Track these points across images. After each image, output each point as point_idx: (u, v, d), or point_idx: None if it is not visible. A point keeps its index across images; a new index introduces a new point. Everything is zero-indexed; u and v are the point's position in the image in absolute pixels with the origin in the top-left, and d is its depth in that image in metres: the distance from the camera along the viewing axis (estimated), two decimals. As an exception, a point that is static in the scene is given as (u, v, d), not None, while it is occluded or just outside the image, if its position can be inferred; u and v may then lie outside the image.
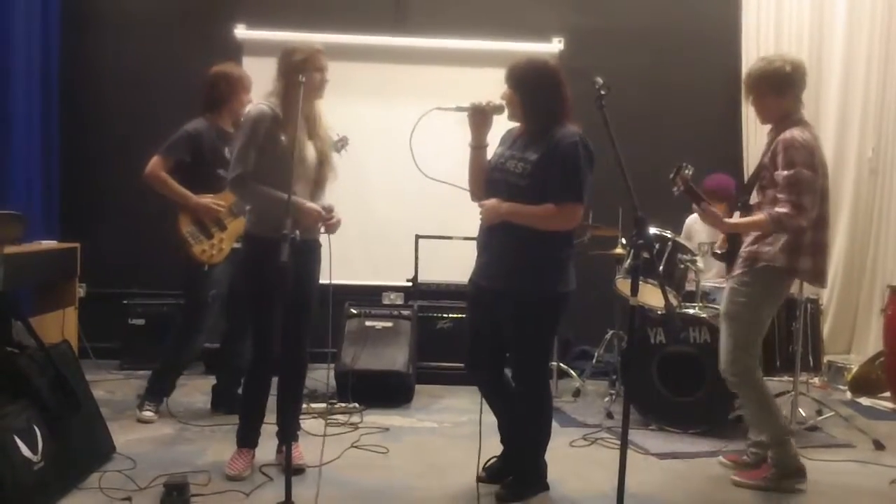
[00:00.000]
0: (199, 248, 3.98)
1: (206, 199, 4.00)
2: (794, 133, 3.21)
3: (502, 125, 3.18)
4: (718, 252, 3.62)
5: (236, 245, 4.02)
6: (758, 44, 5.57)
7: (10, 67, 4.77)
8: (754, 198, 3.39)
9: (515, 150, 3.04)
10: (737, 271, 3.33)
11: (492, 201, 3.00)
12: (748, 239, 3.32)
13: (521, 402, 3.12)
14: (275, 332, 3.21)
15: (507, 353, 3.16)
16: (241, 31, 5.35)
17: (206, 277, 4.00)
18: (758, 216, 3.23)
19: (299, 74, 3.11)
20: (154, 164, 4.00)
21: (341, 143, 3.68)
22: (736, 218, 3.40)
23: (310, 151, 3.23)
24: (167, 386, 4.12)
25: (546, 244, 2.97)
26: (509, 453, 3.24)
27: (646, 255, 2.81)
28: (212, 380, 4.31)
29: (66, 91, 5.33)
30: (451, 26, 5.46)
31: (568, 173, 2.92)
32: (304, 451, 3.40)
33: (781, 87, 3.29)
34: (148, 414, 4.01)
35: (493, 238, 3.03)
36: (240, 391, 4.14)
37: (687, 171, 3.16)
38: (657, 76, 5.59)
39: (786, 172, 3.16)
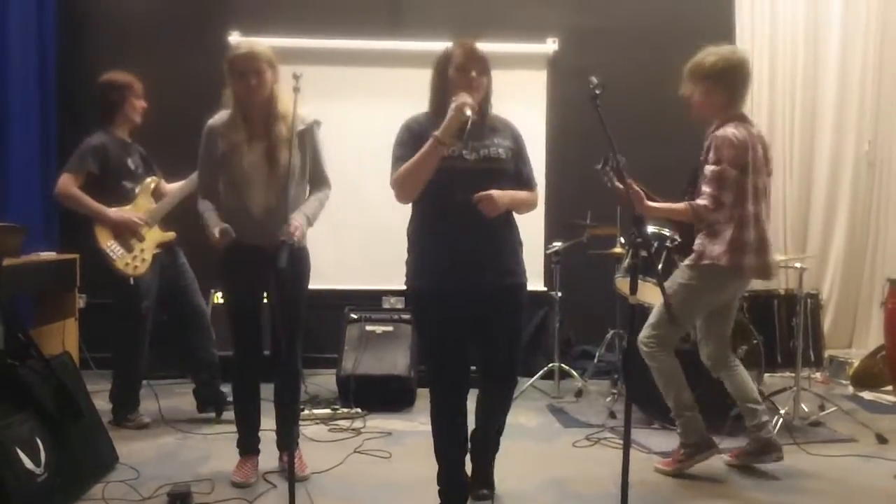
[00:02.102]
0: (123, 262, 3.89)
1: (125, 212, 3.92)
2: (728, 131, 3.29)
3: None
4: (670, 245, 3.69)
5: (157, 251, 4.01)
6: (752, 41, 5.57)
7: (6, 77, 4.77)
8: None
9: (477, 138, 2.77)
10: (686, 261, 3.42)
11: (494, 192, 2.71)
12: (699, 235, 3.38)
13: (506, 394, 3.03)
14: (248, 336, 3.25)
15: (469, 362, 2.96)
16: (235, 38, 5.34)
17: (135, 291, 3.92)
18: (680, 204, 3.34)
19: (232, 80, 3.13)
20: (65, 181, 3.86)
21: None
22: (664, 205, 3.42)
23: (251, 155, 3.15)
24: (135, 397, 4.08)
25: (517, 232, 2.93)
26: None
27: (644, 253, 2.81)
28: None
29: (63, 101, 5.32)
30: (445, 29, 5.42)
31: (528, 158, 2.95)
32: (307, 457, 3.40)
33: (719, 82, 3.32)
34: (143, 419, 4.03)
35: (481, 232, 2.75)
36: (221, 387, 4.12)
37: (616, 164, 2.86)
38: (651, 75, 5.55)
39: (713, 168, 3.27)
